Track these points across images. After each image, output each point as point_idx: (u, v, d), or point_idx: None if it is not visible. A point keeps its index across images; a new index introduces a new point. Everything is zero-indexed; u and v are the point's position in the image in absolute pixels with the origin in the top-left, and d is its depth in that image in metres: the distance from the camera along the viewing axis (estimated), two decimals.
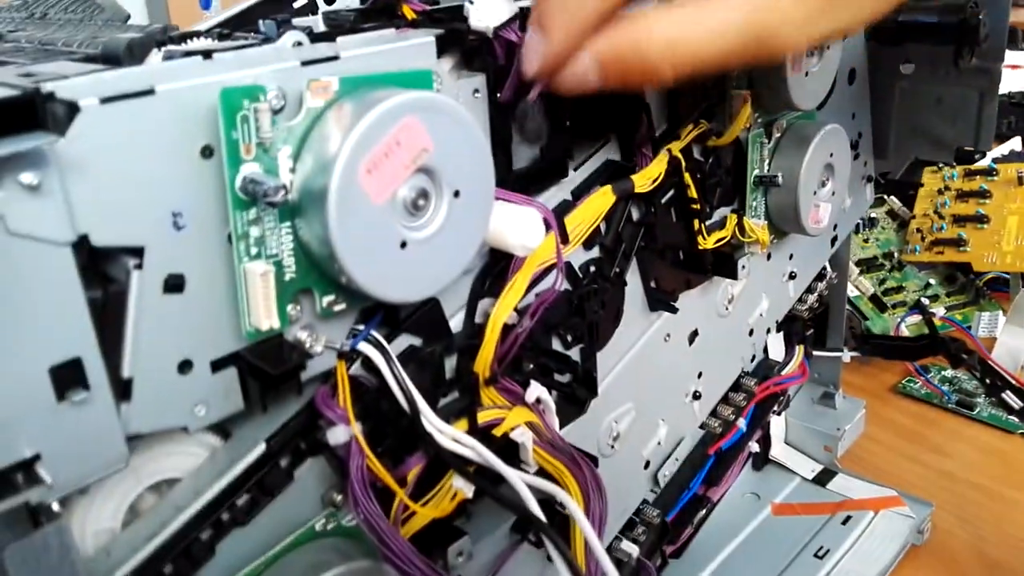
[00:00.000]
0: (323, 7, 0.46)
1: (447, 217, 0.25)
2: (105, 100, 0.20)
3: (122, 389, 0.22)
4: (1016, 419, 0.67)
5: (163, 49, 0.26)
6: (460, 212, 0.26)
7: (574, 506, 0.27)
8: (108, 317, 0.22)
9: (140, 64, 0.25)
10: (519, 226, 0.28)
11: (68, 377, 0.21)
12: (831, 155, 0.45)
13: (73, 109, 0.20)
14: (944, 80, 0.52)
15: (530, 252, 0.30)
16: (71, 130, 0.20)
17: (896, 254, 0.84)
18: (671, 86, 0.30)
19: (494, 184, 0.27)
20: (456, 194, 0.25)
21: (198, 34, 0.30)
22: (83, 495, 0.24)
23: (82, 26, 0.40)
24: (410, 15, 0.30)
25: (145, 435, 0.23)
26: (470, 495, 0.28)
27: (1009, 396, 0.58)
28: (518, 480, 0.27)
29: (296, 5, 0.45)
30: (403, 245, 0.25)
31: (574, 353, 0.36)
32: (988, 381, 0.60)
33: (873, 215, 0.85)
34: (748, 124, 0.41)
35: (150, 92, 0.21)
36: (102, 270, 0.22)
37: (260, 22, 0.30)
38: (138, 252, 0.22)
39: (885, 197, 0.85)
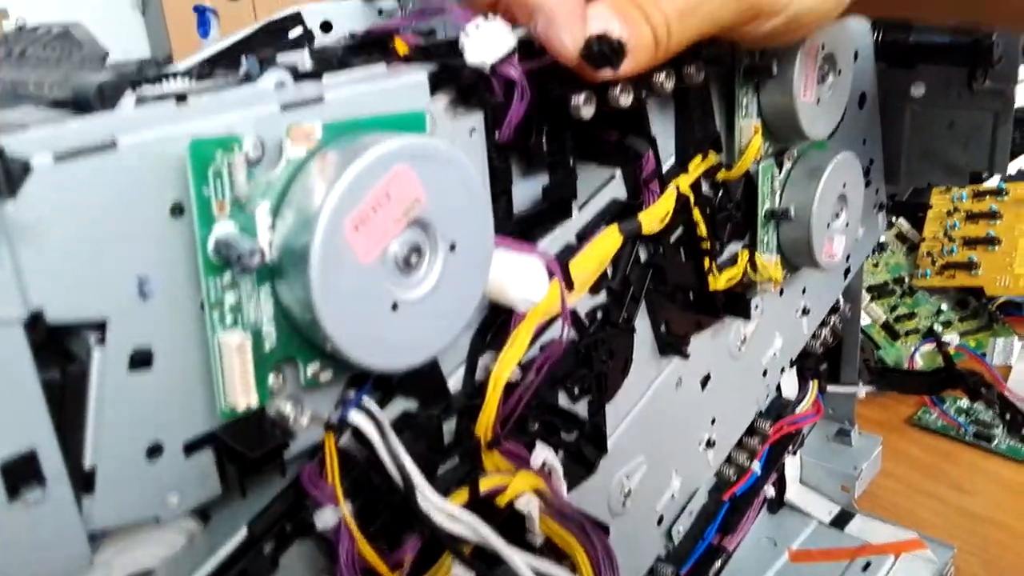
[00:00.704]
0: (319, 36, 0.44)
1: (443, 273, 0.23)
2: (60, 157, 0.18)
3: (84, 481, 0.20)
4: None
5: (136, 91, 0.24)
6: (457, 267, 0.24)
7: None
8: (67, 401, 0.20)
9: (111, 108, 0.23)
10: (520, 278, 0.27)
11: (20, 472, 0.18)
12: (844, 185, 0.43)
13: (24, 168, 0.18)
14: (956, 103, 0.51)
15: (533, 306, 0.28)
16: (21, 192, 0.18)
17: (907, 279, 0.83)
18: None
19: (493, 234, 0.25)
20: (452, 247, 0.24)
21: (176, 74, 0.28)
22: None
23: (57, 65, 0.38)
24: (402, 50, 0.28)
25: (112, 530, 0.21)
26: None
27: None
28: (521, 564, 0.25)
29: (292, 35, 0.44)
30: (394, 307, 0.23)
31: (581, 407, 0.34)
32: (1008, 416, 0.58)
33: (882, 239, 0.84)
34: (758, 156, 0.39)
35: (111, 146, 0.19)
36: (60, 347, 0.20)
37: (243, 58, 0.28)
38: (100, 326, 0.20)
39: (894, 219, 0.84)
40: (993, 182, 0.82)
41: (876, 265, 0.83)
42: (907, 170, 0.54)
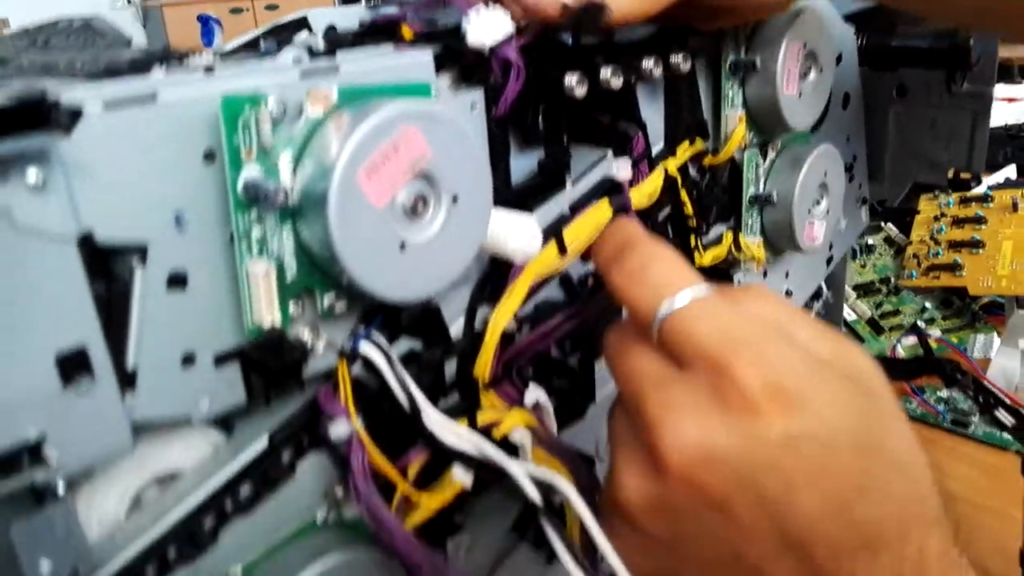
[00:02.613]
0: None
1: (446, 221, 0.25)
2: (108, 106, 0.20)
3: (127, 379, 0.22)
4: (1010, 436, 0.65)
5: (164, 65, 0.26)
6: (459, 216, 0.25)
7: (571, 490, 0.25)
8: (113, 310, 0.21)
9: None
10: (518, 232, 0.28)
11: (73, 365, 0.20)
12: (825, 174, 0.44)
13: (77, 114, 0.20)
14: (938, 103, 0.52)
15: (528, 259, 0.29)
16: (75, 134, 0.20)
17: (893, 279, 0.83)
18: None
19: (491, 191, 0.26)
20: (454, 199, 0.25)
21: (199, 55, 0.30)
22: (88, 484, 0.24)
23: (84, 51, 0.40)
24: (408, 35, 0.30)
25: (151, 425, 0.23)
26: (469, 485, 0.27)
27: (1002, 413, 0.57)
28: (516, 468, 0.26)
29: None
30: (402, 247, 0.24)
31: (572, 363, 0.36)
32: (982, 400, 0.58)
33: (871, 241, 0.84)
34: (743, 144, 0.40)
35: (152, 99, 0.21)
36: (107, 266, 0.21)
37: (260, 42, 0.30)
38: (141, 250, 0.21)
39: (882, 224, 0.84)
40: (980, 190, 0.82)
41: (863, 266, 0.83)
42: (891, 168, 0.55)
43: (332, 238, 0.22)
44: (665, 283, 0.26)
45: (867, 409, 0.23)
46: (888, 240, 0.84)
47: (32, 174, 0.19)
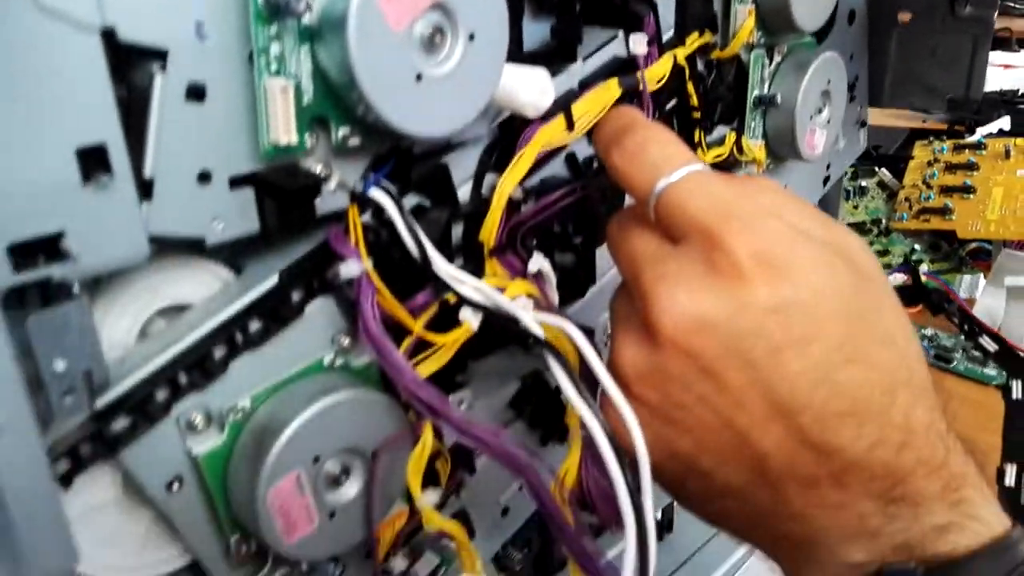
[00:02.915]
0: None
1: (462, 58, 0.25)
2: None
3: (144, 188, 0.22)
4: (991, 372, 0.67)
5: None
6: (475, 55, 0.25)
7: (575, 331, 0.26)
8: (132, 116, 0.21)
9: None
10: (530, 85, 0.28)
11: (93, 160, 0.20)
12: (828, 82, 0.44)
13: None
14: (940, 28, 0.52)
15: (540, 113, 0.29)
16: None
17: (884, 221, 0.84)
18: None
19: (508, 35, 0.27)
20: (471, 37, 0.25)
21: None
22: (99, 310, 0.24)
23: None
24: None
25: (166, 241, 0.23)
26: (476, 327, 0.28)
27: (986, 340, 0.58)
28: (519, 310, 0.27)
29: None
30: (419, 78, 0.24)
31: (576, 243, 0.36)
32: (967, 327, 0.59)
33: (864, 184, 0.85)
34: (751, 39, 0.41)
35: None
36: (127, 72, 0.21)
37: None
38: (162, 55, 0.22)
39: (876, 169, 0.85)
40: (974, 138, 0.83)
41: (856, 207, 0.84)
42: (890, 91, 0.55)
43: (350, 56, 0.22)
44: (662, 161, 0.26)
45: (854, 282, 0.24)
46: (881, 184, 0.85)
47: None
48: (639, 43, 0.33)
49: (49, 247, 0.20)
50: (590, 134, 0.35)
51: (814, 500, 0.24)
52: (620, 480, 0.24)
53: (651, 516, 0.24)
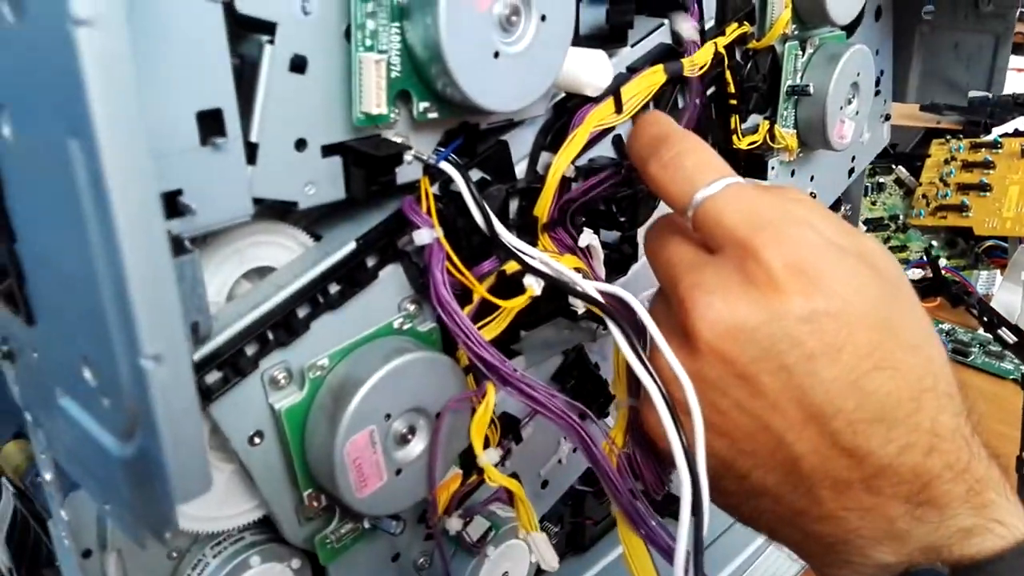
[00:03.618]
0: None
1: (534, 37, 0.28)
2: None
3: (250, 152, 0.24)
4: (1008, 366, 0.70)
5: None
6: (545, 35, 0.28)
7: (631, 298, 0.28)
8: (243, 84, 0.24)
9: None
10: (590, 66, 0.31)
11: (210, 123, 0.23)
12: (858, 74, 0.47)
13: None
14: (963, 25, 0.55)
15: (599, 92, 0.32)
16: None
17: (902, 217, 0.87)
18: None
19: (574, 16, 0.29)
20: (543, 18, 0.28)
21: None
22: None
23: None
24: None
25: (265, 203, 0.26)
26: (539, 291, 0.30)
27: (1005, 332, 0.61)
28: (581, 280, 0.29)
29: None
30: (496, 55, 0.27)
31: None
32: (986, 319, 0.62)
33: (881, 180, 0.88)
34: (786, 30, 0.43)
35: None
36: (240, 45, 0.24)
37: None
38: (271, 29, 0.24)
39: (893, 166, 0.88)
40: (990, 137, 0.86)
41: (874, 203, 0.87)
42: (913, 86, 0.58)
43: (440, 34, 0.25)
44: (699, 173, 0.28)
45: (882, 292, 0.26)
46: (899, 181, 0.88)
47: None
48: (688, 27, 0.36)
49: (168, 203, 0.23)
50: (635, 117, 0.38)
51: (846, 502, 0.25)
52: (675, 436, 0.26)
53: (704, 471, 0.26)
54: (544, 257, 0.30)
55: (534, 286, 0.30)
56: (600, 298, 0.29)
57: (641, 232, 0.40)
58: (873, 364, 0.25)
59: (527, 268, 0.30)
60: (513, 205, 0.34)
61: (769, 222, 0.26)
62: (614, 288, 0.30)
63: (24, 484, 0.39)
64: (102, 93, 0.15)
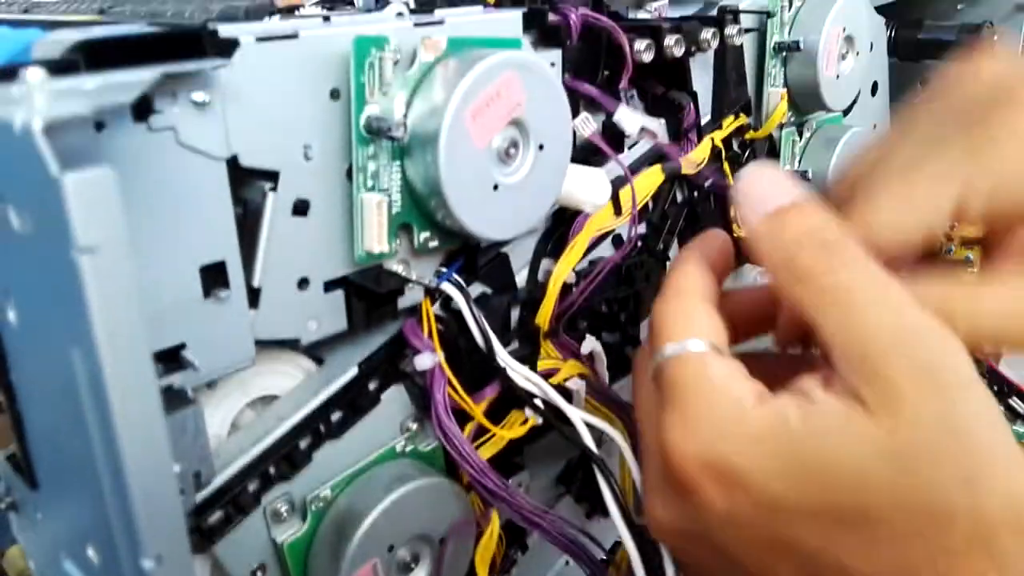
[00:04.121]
0: None
1: (532, 167, 0.29)
2: (259, 39, 0.23)
3: (252, 297, 0.25)
4: (1020, 429, 0.70)
5: (277, 15, 0.29)
6: (543, 163, 0.29)
7: (622, 440, 0.29)
8: (245, 231, 0.25)
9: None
10: (589, 184, 0.32)
11: (214, 277, 0.23)
12: None
13: (234, 44, 0.23)
14: None
15: (599, 209, 0.33)
16: (233, 60, 0.23)
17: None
18: None
19: (571, 142, 0.30)
20: (540, 147, 0.29)
21: (304, 7, 0.33)
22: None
23: (189, 1, 0.41)
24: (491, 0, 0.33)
25: (266, 343, 0.26)
26: (540, 421, 0.30)
27: (1016, 402, 0.61)
28: (576, 415, 0.30)
29: None
30: (495, 188, 0.28)
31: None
32: (996, 388, 0.62)
33: None
34: (783, 120, 0.44)
35: (294, 36, 0.24)
36: (240, 193, 0.25)
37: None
38: (274, 176, 0.25)
39: None
40: None
41: None
42: None
43: (440, 172, 0.26)
44: (669, 326, 0.25)
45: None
46: None
47: (198, 95, 0.22)
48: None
49: (170, 357, 0.23)
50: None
51: None
52: None
53: None
54: (540, 382, 0.30)
55: (535, 416, 0.30)
56: (589, 439, 0.29)
57: (643, 329, 0.41)
58: None
59: (522, 396, 0.30)
60: (515, 313, 0.35)
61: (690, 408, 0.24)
62: (603, 424, 0.30)
63: None
64: (104, 312, 0.16)
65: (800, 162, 0.47)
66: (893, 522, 0.20)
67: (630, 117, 0.35)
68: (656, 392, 0.25)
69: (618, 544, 0.37)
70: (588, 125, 0.34)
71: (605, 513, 0.41)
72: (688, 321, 0.25)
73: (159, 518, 0.17)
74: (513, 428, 0.32)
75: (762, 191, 0.24)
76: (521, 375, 0.31)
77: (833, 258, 0.22)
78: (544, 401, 0.31)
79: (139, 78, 0.19)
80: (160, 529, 0.17)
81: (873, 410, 0.21)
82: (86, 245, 0.15)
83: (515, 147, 0.28)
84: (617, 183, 0.37)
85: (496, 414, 0.33)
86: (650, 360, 0.25)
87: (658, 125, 0.36)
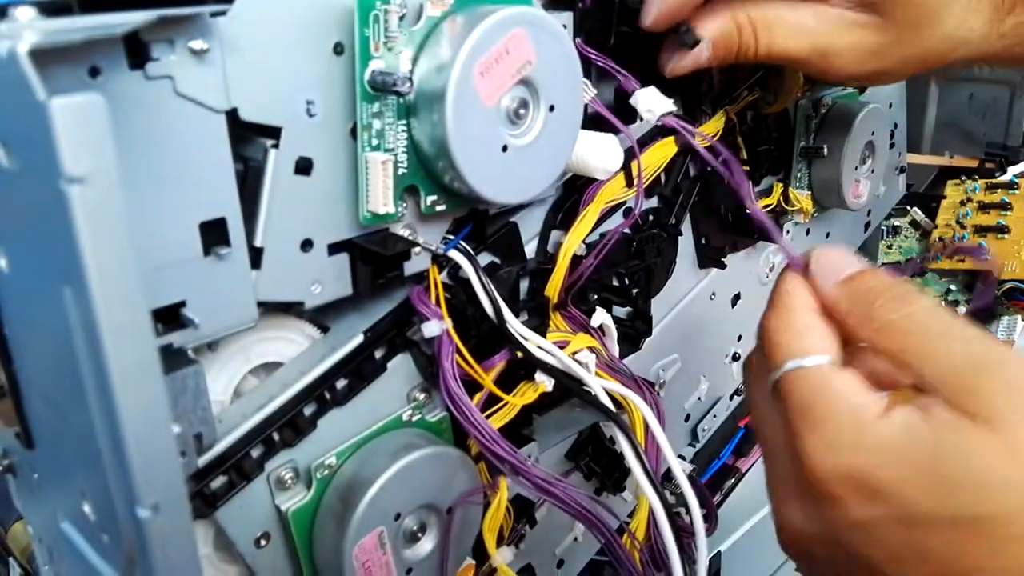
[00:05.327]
0: None
1: (542, 128, 0.28)
2: None
3: (254, 257, 0.24)
4: None
5: None
6: (553, 125, 0.28)
7: (638, 399, 0.28)
8: (247, 189, 0.24)
9: None
10: (600, 151, 0.31)
11: (214, 234, 0.23)
12: (872, 133, 0.47)
13: None
14: (978, 76, 0.55)
15: (610, 175, 0.32)
16: (233, 10, 0.22)
17: (919, 261, 0.86)
18: None
19: (582, 104, 0.29)
20: (551, 108, 0.28)
21: None
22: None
23: None
24: None
25: (270, 305, 0.25)
26: (550, 388, 0.30)
27: None
28: (592, 379, 0.29)
29: None
30: (504, 149, 0.27)
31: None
32: None
33: (897, 223, 0.87)
34: (798, 94, 0.43)
35: None
36: (243, 148, 0.24)
37: None
38: (275, 133, 0.24)
39: (908, 208, 0.87)
40: (1006, 177, 0.86)
41: (890, 247, 0.86)
42: (928, 137, 0.58)
43: (447, 131, 0.25)
44: (789, 343, 0.27)
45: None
46: (914, 224, 0.87)
47: (196, 43, 0.21)
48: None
49: (170, 316, 0.23)
50: (647, 188, 0.37)
51: None
52: (675, 551, 0.26)
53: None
54: (554, 350, 0.30)
55: (545, 382, 0.29)
56: (611, 406, 0.29)
57: (655, 303, 0.40)
58: None
59: (536, 363, 0.29)
60: (524, 285, 0.34)
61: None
62: (624, 390, 0.29)
63: (31, 567, 0.39)
64: (95, 247, 0.15)
65: (815, 138, 0.46)
66: (1018, 521, 0.23)
67: (647, 98, 0.33)
68: (777, 404, 0.26)
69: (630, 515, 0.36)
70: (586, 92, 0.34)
71: (614, 490, 0.41)
72: (805, 336, 0.27)
73: (155, 465, 0.17)
74: (525, 395, 0.31)
75: (837, 262, 0.27)
76: (534, 343, 0.30)
77: (907, 305, 0.25)
78: (556, 369, 0.30)
79: (132, 19, 0.18)
80: (156, 477, 0.17)
81: (981, 424, 0.23)
82: (75, 175, 0.14)
83: (525, 108, 0.27)
84: (630, 154, 0.36)
85: (504, 385, 0.32)
86: (767, 373, 0.27)
87: (672, 105, 0.35)
